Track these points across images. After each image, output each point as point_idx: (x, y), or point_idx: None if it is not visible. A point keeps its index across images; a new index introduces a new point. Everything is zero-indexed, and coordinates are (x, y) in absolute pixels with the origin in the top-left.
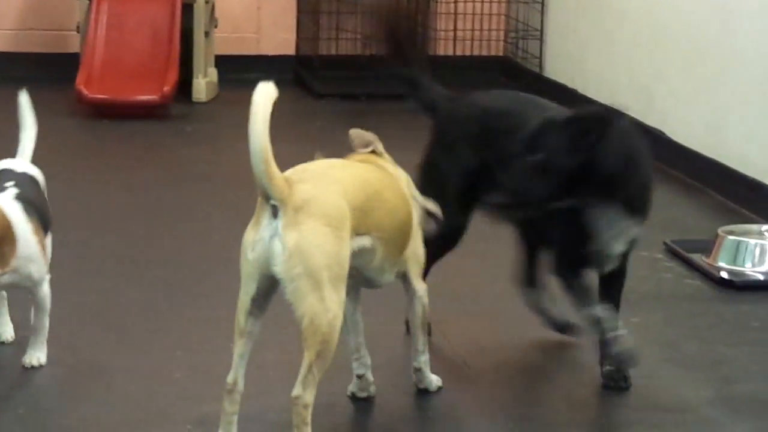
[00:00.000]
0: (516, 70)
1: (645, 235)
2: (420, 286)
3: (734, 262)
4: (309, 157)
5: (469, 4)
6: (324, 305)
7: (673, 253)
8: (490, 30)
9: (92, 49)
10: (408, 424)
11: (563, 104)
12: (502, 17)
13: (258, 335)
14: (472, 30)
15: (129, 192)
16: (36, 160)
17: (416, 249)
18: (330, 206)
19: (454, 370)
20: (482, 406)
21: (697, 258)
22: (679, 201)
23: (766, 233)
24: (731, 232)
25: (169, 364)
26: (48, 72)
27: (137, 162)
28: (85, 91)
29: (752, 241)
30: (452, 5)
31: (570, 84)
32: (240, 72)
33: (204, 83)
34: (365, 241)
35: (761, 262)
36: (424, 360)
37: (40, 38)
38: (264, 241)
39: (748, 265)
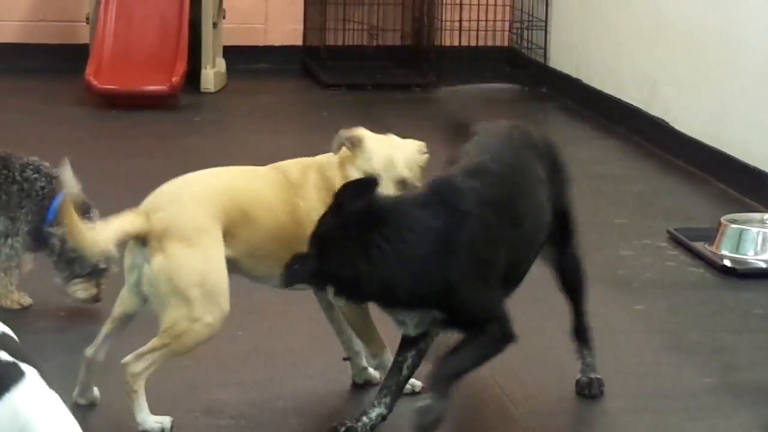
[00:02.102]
0: (521, 61)
1: (649, 223)
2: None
3: (737, 250)
4: (315, 147)
5: None
6: (192, 315)
7: (676, 241)
8: (495, 21)
9: (101, 40)
10: None
11: (567, 94)
12: (507, 8)
13: (131, 319)
14: (477, 20)
15: (137, 181)
16: (46, 148)
17: None
18: (192, 226)
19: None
20: None
21: (700, 246)
22: (683, 190)
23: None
24: (734, 221)
25: None
26: (58, 63)
27: (146, 151)
28: (94, 82)
29: (754, 230)
30: None
31: (574, 74)
32: (248, 62)
33: (212, 74)
34: (228, 253)
35: (763, 250)
36: (380, 362)
37: (50, 29)
38: (138, 268)
39: (751, 253)
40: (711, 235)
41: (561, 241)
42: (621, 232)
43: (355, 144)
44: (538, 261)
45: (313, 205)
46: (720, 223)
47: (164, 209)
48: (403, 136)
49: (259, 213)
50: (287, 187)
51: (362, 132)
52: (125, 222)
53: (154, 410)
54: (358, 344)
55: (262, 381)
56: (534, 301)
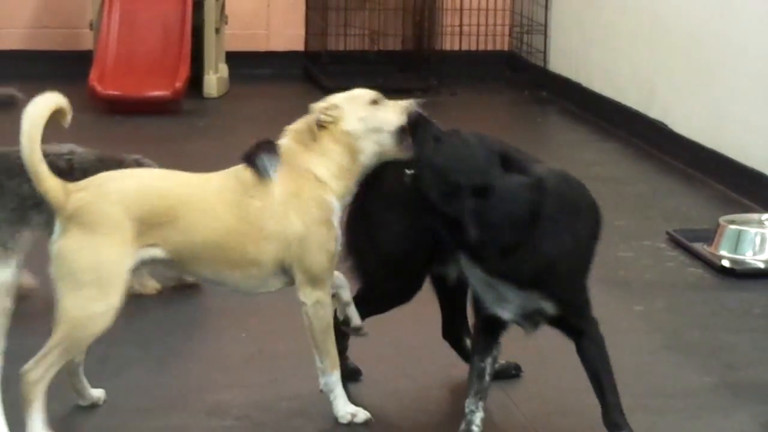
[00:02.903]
0: (521, 65)
1: (648, 224)
2: (307, 297)
3: (735, 250)
4: None
5: (475, 0)
6: (82, 303)
7: (675, 242)
8: (495, 25)
9: (105, 46)
10: None
11: (567, 98)
12: (507, 12)
13: None
14: (478, 25)
15: None
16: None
17: (302, 257)
18: (99, 215)
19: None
20: None
21: (699, 247)
22: (681, 191)
23: (766, 222)
24: (732, 222)
25: (182, 354)
26: (62, 69)
27: (149, 156)
28: (98, 87)
29: (753, 230)
30: (458, 1)
31: (574, 77)
32: (250, 68)
33: (215, 79)
34: (157, 252)
35: (762, 250)
36: (326, 382)
37: (53, 36)
38: (50, 246)
39: (749, 253)
40: (710, 236)
41: None
42: (621, 233)
43: (330, 108)
44: None
45: (274, 201)
46: (719, 224)
47: (85, 191)
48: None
49: (193, 217)
50: (237, 189)
51: (335, 97)
52: (54, 183)
53: (159, 411)
54: (348, 294)
55: (266, 382)
56: None
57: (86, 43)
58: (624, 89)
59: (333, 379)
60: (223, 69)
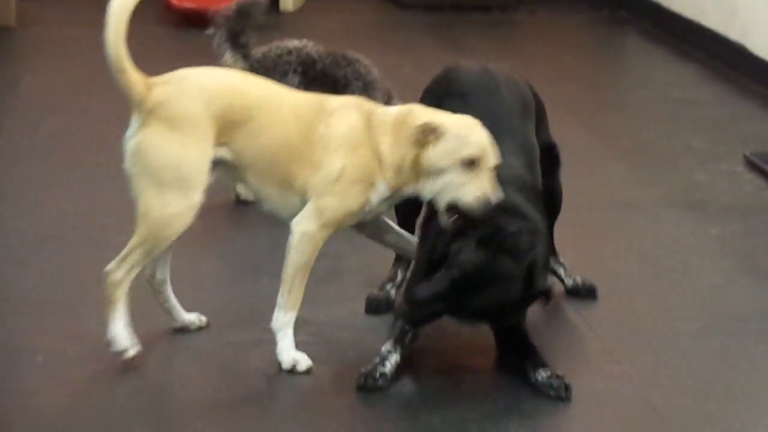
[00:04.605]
0: None
1: (725, 147)
2: (298, 225)
3: None
4: (393, 68)
5: None
6: (162, 201)
7: (752, 165)
8: None
9: None
10: None
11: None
12: None
13: None
14: None
15: None
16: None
17: (322, 193)
18: (180, 109)
19: (640, 416)
20: None
21: None
22: (759, 114)
23: None
24: None
25: (257, 270)
26: None
27: None
28: (173, 1)
29: None
30: None
31: None
32: None
33: None
34: (224, 153)
35: None
36: (278, 318)
37: None
38: (126, 140)
39: None
40: None
41: (548, 171)
42: (697, 156)
43: (434, 133)
44: None
45: (335, 134)
46: None
47: (168, 85)
48: (483, 57)
49: (264, 121)
50: (312, 109)
51: (440, 120)
52: (137, 76)
53: (235, 326)
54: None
55: (339, 299)
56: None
57: None
58: (704, 10)
59: (286, 319)
60: None
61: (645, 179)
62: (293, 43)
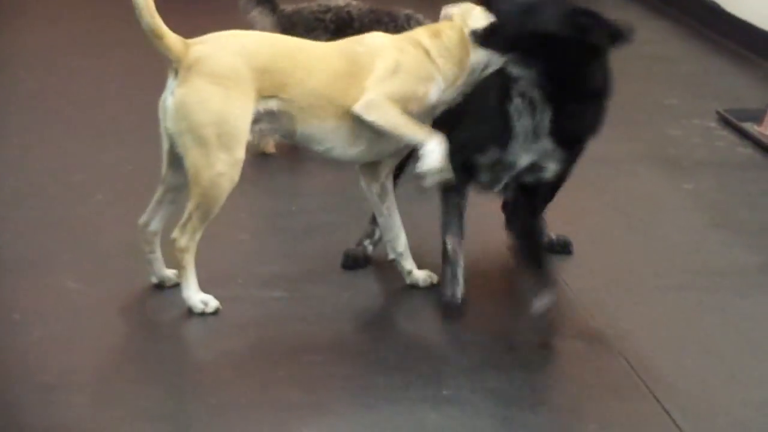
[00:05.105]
0: None
1: (698, 103)
2: (365, 95)
3: None
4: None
5: None
6: (208, 161)
7: (725, 121)
8: None
9: None
10: None
11: None
12: None
13: (179, 186)
14: None
15: None
16: (101, 27)
17: (383, 74)
18: (221, 65)
19: (614, 371)
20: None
21: (749, 126)
22: (732, 71)
23: None
24: None
25: (235, 226)
26: None
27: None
28: None
29: None
30: None
31: None
32: None
33: None
34: (274, 104)
35: None
36: (431, 149)
37: None
38: (164, 100)
39: None
40: (759, 115)
41: None
42: (671, 112)
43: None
44: None
45: (376, 45)
46: None
47: (206, 43)
48: None
49: (310, 63)
50: (349, 42)
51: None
52: (174, 38)
53: (211, 283)
54: (402, 244)
55: (316, 255)
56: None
57: None
58: None
59: (436, 140)
60: None
61: (619, 135)
62: (337, 1)
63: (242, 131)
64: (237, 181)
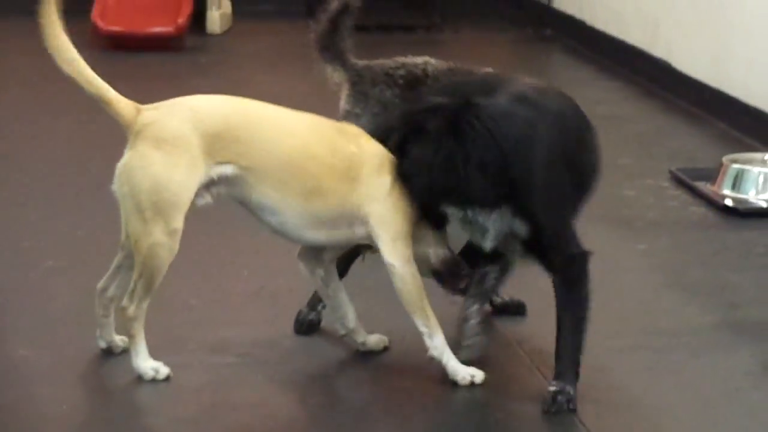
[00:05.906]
0: (524, 2)
1: (651, 163)
2: (393, 258)
3: (738, 189)
4: (320, 88)
5: None
6: (145, 228)
7: (678, 180)
8: None
9: None
10: None
11: (571, 36)
12: None
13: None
14: None
15: None
16: (52, 91)
17: (382, 211)
18: (166, 130)
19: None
20: None
21: (702, 186)
22: (685, 130)
23: None
24: (735, 161)
25: (184, 291)
26: (64, 4)
27: (152, 93)
28: (100, 24)
29: (755, 169)
30: None
31: (578, 15)
32: (253, 4)
33: (218, 15)
34: (227, 170)
35: (764, 189)
36: (435, 346)
37: None
38: (118, 164)
39: (752, 192)
40: (713, 174)
41: None
42: (624, 172)
43: None
44: None
45: (372, 152)
46: (722, 163)
47: (158, 109)
48: None
49: (274, 134)
50: (335, 129)
51: None
52: (125, 103)
53: (161, 349)
54: (352, 320)
55: (268, 320)
56: None
57: None
58: (628, 27)
59: (439, 342)
60: (226, 5)
61: None
62: (417, 58)
63: (183, 200)
64: (176, 251)
